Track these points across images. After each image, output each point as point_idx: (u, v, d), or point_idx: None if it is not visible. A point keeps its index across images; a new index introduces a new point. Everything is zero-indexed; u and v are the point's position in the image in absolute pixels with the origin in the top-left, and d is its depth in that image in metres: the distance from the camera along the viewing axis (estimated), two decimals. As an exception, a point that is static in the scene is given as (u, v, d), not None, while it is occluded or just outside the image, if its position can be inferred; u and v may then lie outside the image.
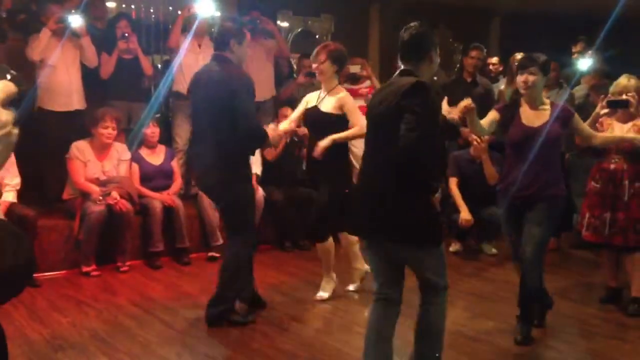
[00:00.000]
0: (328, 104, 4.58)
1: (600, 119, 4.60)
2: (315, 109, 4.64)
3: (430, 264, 3.14)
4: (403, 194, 2.99)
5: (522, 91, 3.99)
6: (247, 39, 4.34)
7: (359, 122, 4.40)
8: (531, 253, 3.91)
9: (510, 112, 4.04)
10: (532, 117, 3.97)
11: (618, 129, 4.58)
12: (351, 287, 5.02)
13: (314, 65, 4.64)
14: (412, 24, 3.19)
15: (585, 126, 4.14)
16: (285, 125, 4.73)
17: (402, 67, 3.18)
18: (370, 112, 3.25)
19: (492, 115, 4.11)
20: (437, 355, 3.19)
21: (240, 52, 4.23)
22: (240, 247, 4.24)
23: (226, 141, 4.05)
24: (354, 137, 4.58)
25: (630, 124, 4.55)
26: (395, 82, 3.14)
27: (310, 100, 4.75)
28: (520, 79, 3.95)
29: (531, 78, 3.90)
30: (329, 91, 4.61)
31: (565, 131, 4.01)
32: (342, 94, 4.60)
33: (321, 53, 4.58)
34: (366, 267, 4.73)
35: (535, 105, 3.99)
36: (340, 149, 4.59)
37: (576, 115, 4.02)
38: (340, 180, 4.60)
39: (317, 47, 4.69)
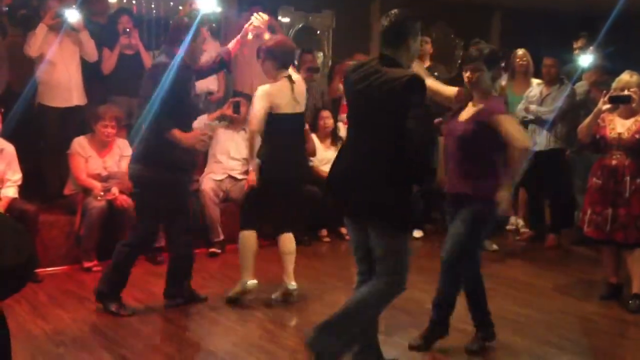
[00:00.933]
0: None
1: (602, 115, 4.59)
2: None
3: (390, 249, 3.17)
4: (391, 179, 3.08)
5: (467, 86, 3.77)
6: (203, 37, 4.45)
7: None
8: (445, 252, 3.72)
9: (460, 108, 3.83)
10: (468, 112, 3.74)
11: (620, 125, 4.59)
12: (273, 296, 4.81)
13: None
14: (392, 11, 3.23)
15: (508, 129, 3.58)
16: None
17: (382, 52, 3.23)
18: (350, 89, 3.29)
19: None
20: (344, 330, 3.20)
21: (193, 49, 4.33)
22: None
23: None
24: None
25: (632, 119, 4.56)
26: (379, 68, 3.16)
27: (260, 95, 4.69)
28: (464, 74, 3.75)
29: (475, 74, 3.67)
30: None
31: (486, 130, 3.59)
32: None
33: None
34: (292, 284, 4.71)
35: (477, 100, 3.72)
36: None
37: (498, 117, 3.59)
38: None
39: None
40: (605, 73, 6.14)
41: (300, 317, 4.48)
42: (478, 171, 3.65)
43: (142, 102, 4.21)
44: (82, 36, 5.92)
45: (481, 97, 3.72)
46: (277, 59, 4.53)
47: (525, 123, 6.14)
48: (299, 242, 6.32)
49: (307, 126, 5.03)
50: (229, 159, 6.32)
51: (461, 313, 4.51)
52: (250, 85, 6.93)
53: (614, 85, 4.58)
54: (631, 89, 4.46)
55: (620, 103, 4.49)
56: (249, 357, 3.75)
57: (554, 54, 6.52)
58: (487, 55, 3.67)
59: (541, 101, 6.31)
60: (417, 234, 6.67)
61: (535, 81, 6.61)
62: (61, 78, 5.87)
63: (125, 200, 5.39)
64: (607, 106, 4.47)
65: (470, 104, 3.79)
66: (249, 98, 6.57)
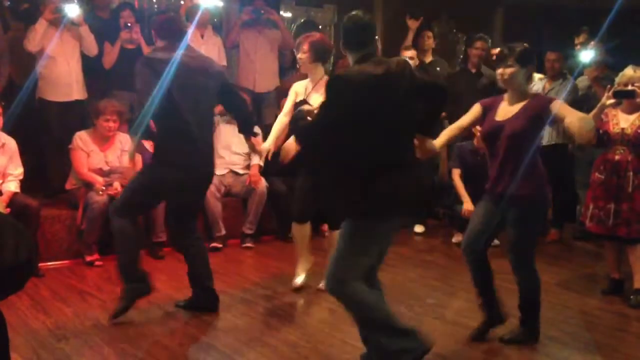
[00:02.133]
0: (316, 99, 4.47)
1: (605, 110, 4.58)
2: (303, 103, 4.57)
3: (341, 239, 3.19)
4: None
5: (501, 85, 3.79)
6: None
7: None
8: (511, 258, 3.82)
9: (492, 106, 3.83)
10: (506, 111, 3.74)
11: (623, 120, 4.58)
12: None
13: (298, 56, 4.63)
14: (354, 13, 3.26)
15: (561, 110, 3.55)
16: (268, 144, 4.67)
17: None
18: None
19: (475, 108, 3.90)
20: None
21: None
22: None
23: None
24: None
25: (635, 114, 4.55)
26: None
27: (298, 91, 4.71)
28: (497, 72, 3.75)
29: (508, 71, 3.67)
30: (316, 83, 4.58)
31: (537, 124, 3.63)
32: None
33: (304, 43, 4.56)
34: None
35: (514, 99, 3.74)
36: None
37: (555, 103, 3.61)
38: None
39: (300, 37, 4.68)
40: (607, 68, 6.13)
41: (302, 311, 4.48)
42: (526, 169, 3.64)
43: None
44: (83, 31, 5.91)
45: (518, 95, 3.71)
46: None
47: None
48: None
49: None
50: (231, 154, 6.32)
51: (463, 308, 4.53)
52: (252, 80, 6.93)
53: (617, 80, 4.57)
54: (635, 84, 4.45)
55: (625, 98, 4.48)
56: (251, 351, 3.75)
57: (556, 48, 6.50)
58: (519, 52, 3.67)
59: (544, 96, 6.30)
60: (419, 229, 6.67)
61: (537, 76, 6.58)
62: (62, 72, 5.88)
63: (126, 195, 5.39)
64: (611, 101, 4.45)
65: (503, 103, 3.78)
66: (250, 93, 6.59)
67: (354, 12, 3.23)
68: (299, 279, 4.82)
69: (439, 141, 3.72)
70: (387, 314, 3.21)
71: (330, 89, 3.12)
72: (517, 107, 3.70)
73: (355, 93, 3.04)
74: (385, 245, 3.31)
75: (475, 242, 3.85)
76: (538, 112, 3.61)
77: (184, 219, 4.35)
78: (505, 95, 3.81)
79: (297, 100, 4.65)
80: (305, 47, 4.52)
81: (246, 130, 4.53)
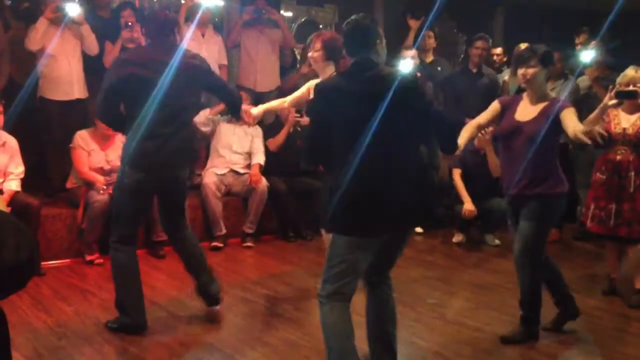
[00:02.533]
0: None
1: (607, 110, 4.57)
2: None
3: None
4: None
5: (522, 85, 3.89)
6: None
7: None
8: (518, 251, 3.86)
9: (510, 105, 3.92)
10: (526, 111, 3.82)
11: (624, 120, 4.58)
12: None
13: (309, 54, 4.61)
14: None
15: (570, 121, 3.66)
16: (257, 110, 4.65)
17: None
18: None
19: (494, 106, 3.99)
20: None
21: None
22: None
23: None
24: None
25: (637, 115, 4.55)
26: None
27: (312, 88, 4.70)
28: (519, 72, 3.82)
29: (530, 71, 3.75)
30: None
31: (556, 126, 3.70)
32: None
33: (316, 41, 4.55)
34: None
35: (535, 99, 3.83)
36: None
37: (566, 110, 3.70)
38: None
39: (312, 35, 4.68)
40: (607, 68, 6.13)
41: (302, 311, 4.48)
42: (547, 166, 3.74)
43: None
44: (83, 29, 5.91)
45: (538, 95, 3.80)
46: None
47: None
48: (301, 237, 6.37)
49: None
50: (232, 153, 6.32)
51: (464, 307, 4.53)
52: (253, 80, 6.93)
53: (618, 80, 4.56)
54: (637, 84, 4.45)
55: (627, 98, 4.46)
56: (251, 350, 3.75)
57: (556, 48, 6.49)
58: (542, 54, 3.76)
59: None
60: (419, 229, 6.66)
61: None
62: (62, 71, 5.87)
63: (127, 194, 5.39)
64: (613, 101, 4.43)
65: (522, 102, 3.85)
66: (251, 92, 6.59)
67: (352, 17, 3.15)
68: None
69: (461, 141, 3.76)
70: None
71: (313, 97, 3.14)
72: (537, 108, 3.78)
73: (322, 102, 3.03)
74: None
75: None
76: (553, 115, 3.70)
77: (166, 217, 4.28)
78: (525, 95, 3.89)
79: (310, 97, 4.65)
80: (318, 44, 4.51)
81: (235, 113, 4.56)
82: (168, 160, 3.92)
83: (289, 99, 4.71)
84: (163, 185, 4.03)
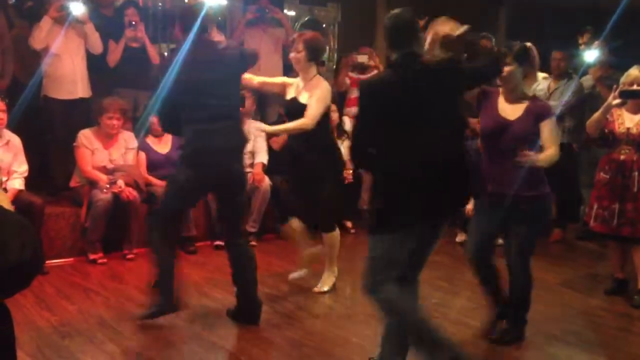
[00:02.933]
0: (306, 98, 4.45)
1: (611, 110, 4.56)
2: (294, 100, 4.53)
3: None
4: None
5: (498, 82, 3.80)
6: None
7: (310, 115, 4.35)
8: (515, 258, 3.84)
9: (486, 97, 3.81)
10: (508, 109, 3.73)
11: (628, 120, 4.57)
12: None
13: (291, 55, 4.58)
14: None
15: (548, 135, 3.65)
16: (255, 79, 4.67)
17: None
18: None
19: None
20: None
21: None
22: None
23: None
24: (294, 130, 4.47)
25: (640, 114, 4.55)
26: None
27: (292, 85, 4.64)
28: None
29: (506, 69, 3.66)
30: (307, 82, 4.54)
31: (535, 126, 3.65)
32: (320, 87, 4.46)
33: (298, 42, 4.54)
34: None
35: (512, 97, 3.72)
36: (325, 138, 4.57)
37: (551, 120, 3.68)
38: (337, 168, 4.69)
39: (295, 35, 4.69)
40: (611, 68, 6.12)
41: (304, 309, 4.48)
42: (537, 170, 3.66)
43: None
44: (87, 28, 5.92)
45: (516, 94, 3.73)
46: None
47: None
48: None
49: None
50: (234, 152, 6.31)
51: (467, 307, 4.53)
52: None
53: (622, 80, 4.55)
54: (641, 84, 4.44)
55: (631, 98, 4.46)
56: (253, 348, 3.76)
57: (559, 47, 6.49)
58: (516, 51, 3.72)
59: (549, 95, 6.29)
60: None
61: (541, 75, 6.57)
62: (66, 70, 5.88)
63: (131, 193, 5.41)
64: (617, 101, 4.42)
65: (500, 99, 3.78)
66: (254, 92, 6.58)
67: (394, 11, 3.19)
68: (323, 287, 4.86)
69: None
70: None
71: (359, 94, 3.16)
72: (520, 107, 3.70)
73: (374, 98, 3.07)
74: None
75: (481, 252, 3.95)
76: (538, 117, 3.65)
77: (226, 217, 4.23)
78: (501, 91, 3.81)
79: (288, 97, 4.61)
80: (300, 46, 4.50)
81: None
82: (216, 155, 3.91)
83: (265, 79, 4.76)
84: (217, 179, 3.97)
